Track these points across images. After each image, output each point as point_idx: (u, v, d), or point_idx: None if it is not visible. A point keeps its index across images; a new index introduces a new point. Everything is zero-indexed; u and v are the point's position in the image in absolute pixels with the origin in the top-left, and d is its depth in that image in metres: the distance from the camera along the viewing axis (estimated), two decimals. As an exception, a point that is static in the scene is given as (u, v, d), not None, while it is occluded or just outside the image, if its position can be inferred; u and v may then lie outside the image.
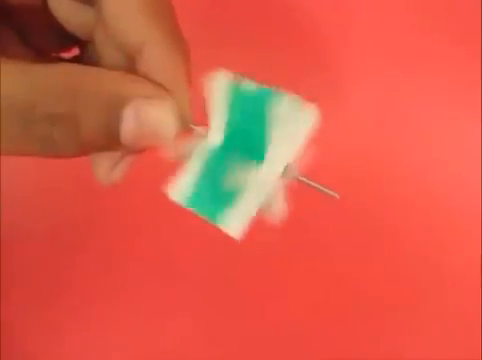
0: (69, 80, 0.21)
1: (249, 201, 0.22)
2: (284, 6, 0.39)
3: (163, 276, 0.28)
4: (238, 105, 0.22)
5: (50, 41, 0.27)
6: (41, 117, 0.20)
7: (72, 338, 0.24)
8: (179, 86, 0.23)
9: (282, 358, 0.30)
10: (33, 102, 0.20)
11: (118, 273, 0.28)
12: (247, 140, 0.22)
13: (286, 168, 0.22)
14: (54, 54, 0.28)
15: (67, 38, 0.27)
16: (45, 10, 0.25)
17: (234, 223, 0.22)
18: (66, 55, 0.27)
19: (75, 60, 0.28)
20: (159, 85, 0.23)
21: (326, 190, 0.21)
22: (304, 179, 0.21)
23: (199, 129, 0.23)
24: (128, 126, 0.21)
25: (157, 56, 0.23)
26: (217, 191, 0.22)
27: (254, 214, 0.22)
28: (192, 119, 0.23)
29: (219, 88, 0.23)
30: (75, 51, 0.27)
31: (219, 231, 0.29)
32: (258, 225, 0.29)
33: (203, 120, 0.23)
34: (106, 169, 0.26)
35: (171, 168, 0.36)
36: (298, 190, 0.23)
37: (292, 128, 0.22)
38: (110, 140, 0.22)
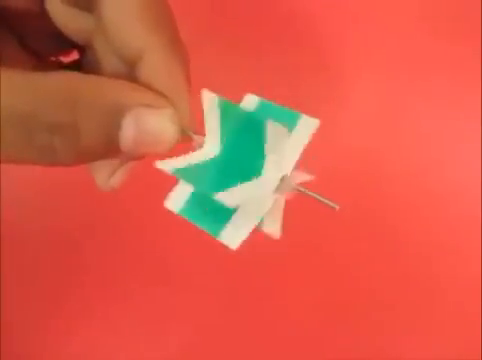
0: (69, 88, 0.21)
1: (248, 214, 0.22)
2: (284, 7, 0.38)
3: (164, 278, 0.28)
4: (233, 119, 0.22)
5: (49, 45, 0.27)
6: (41, 126, 0.20)
7: (72, 338, 0.25)
8: (179, 94, 0.23)
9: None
10: (33, 111, 0.20)
11: (118, 274, 0.28)
12: (244, 152, 0.22)
13: (284, 180, 0.22)
14: (53, 58, 0.28)
15: (66, 43, 0.27)
16: (43, 15, 0.25)
17: (232, 236, 0.21)
18: (65, 59, 0.27)
19: (74, 64, 0.28)
20: (160, 94, 0.23)
21: (326, 201, 0.21)
22: (303, 190, 0.21)
23: (198, 138, 0.23)
24: (128, 133, 0.21)
25: (156, 63, 0.23)
26: (215, 202, 0.21)
27: (253, 227, 0.22)
28: (192, 127, 0.23)
29: (210, 105, 0.22)
30: (74, 55, 0.27)
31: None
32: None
33: (203, 128, 0.23)
34: (105, 175, 0.26)
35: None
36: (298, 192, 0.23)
37: (290, 140, 0.22)
38: (110, 148, 0.22)
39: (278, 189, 0.22)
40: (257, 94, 0.23)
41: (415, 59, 0.41)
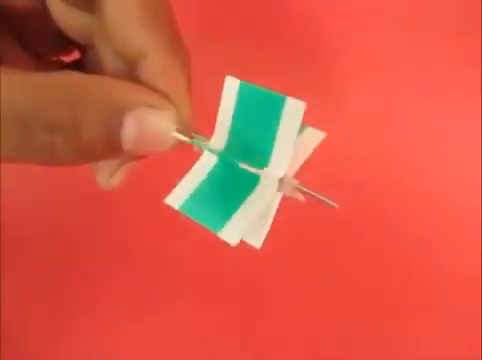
0: (71, 87, 0.21)
1: (249, 212, 0.22)
2: (284, 9, 0.38)
3: (164, 278, 0.28)
4: (245, 111, 0.22)
5: (50, 45, 0.27)
6: (42, 124, 0.20)
7: (72, 339, 0.25)
8: (180, 94, 0.23)
9: None
10: (34, 109, 0.20)
11: (119, 274, 0.28)
12: (250, 148, 0.22)
13: (285, 178, 0.22)
14: (54, 58, 0.28)
15: (67, 42, 0.27)
16: (44, 14, 0.25)
17: (232, 233, 0.22)
18: (66, 59, 0.27)
19: (76, 64, 0.28)
20: (163, 95, 0.23)
21: (326, 200, 0.21)
22: (304, 188, 0.21)
23: (200, 137, 0.23)
24: (130, 132, 0.21)
25: (157, 63, 0.23)
26: (215, 198, 0.22)
27: (252, 223, 0.22)
28: (192, 128, 0.24)
29: (227, 94, 0.22)
30: (75, 55, 0.27)
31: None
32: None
33: (204, 126, 0.23)
34: (106, 174, 0.26)
35: (173, 173, 0.36)
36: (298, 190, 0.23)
37: (298, 139, 0.22)
38: (111, 148, 0.22)
39: (279, 187, 0.22)
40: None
41: (414, 61, 0.41)
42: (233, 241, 0.21)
